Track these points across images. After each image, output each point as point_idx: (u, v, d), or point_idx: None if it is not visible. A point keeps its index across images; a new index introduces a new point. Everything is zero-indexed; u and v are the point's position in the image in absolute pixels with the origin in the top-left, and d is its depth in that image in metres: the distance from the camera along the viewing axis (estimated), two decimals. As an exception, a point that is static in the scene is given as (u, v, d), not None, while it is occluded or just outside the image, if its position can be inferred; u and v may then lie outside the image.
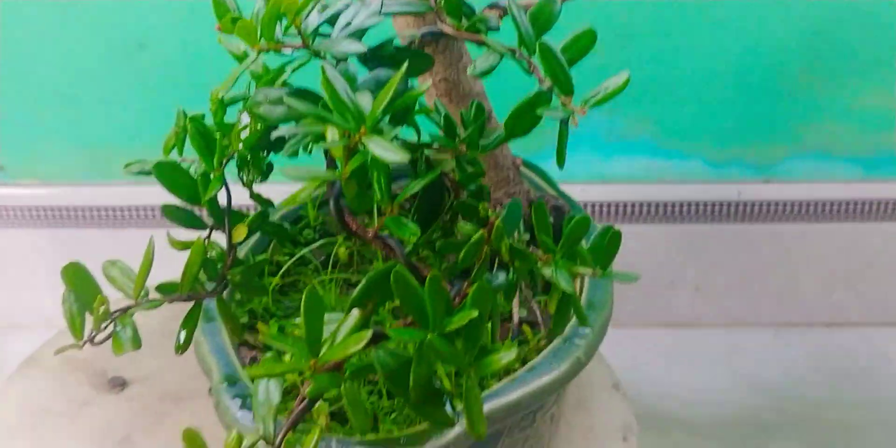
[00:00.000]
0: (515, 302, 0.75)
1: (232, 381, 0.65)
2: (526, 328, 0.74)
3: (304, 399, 0.54)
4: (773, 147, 1.27)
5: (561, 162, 0.62)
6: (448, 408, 0.57)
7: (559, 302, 0.64)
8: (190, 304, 0.60)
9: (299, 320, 0.51)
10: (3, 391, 0.89)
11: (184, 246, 0.58)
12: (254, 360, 0.71)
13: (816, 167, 1.28)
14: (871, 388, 1.27)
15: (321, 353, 0.51)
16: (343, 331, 0.51)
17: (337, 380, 0.52)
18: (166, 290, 0.58)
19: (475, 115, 0.63)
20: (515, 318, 0.75)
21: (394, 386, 0.54)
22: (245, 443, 0.53)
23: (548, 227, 0.61)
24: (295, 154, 0.56)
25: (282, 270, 0.80)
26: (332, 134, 0.51)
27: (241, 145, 0.58)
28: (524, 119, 0.60)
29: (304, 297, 0.51)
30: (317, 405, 0.63)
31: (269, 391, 0.54)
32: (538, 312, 0.77)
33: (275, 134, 0.56)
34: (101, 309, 0.55)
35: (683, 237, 1.31)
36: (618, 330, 1.20)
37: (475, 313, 0.52)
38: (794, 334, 1.35)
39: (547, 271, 0.60)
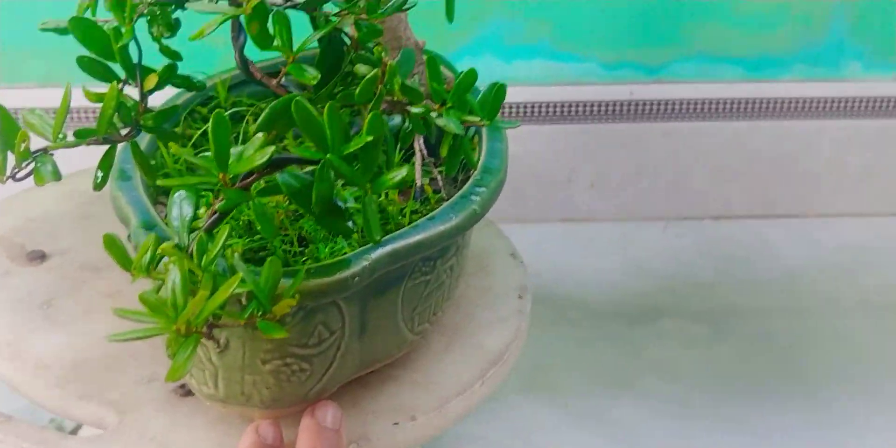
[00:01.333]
0: (418, 167, 0.81)
1: (149, 226, 0.69)
2: (428, 188, 0.81)
3: (214, 212, 0.59)
4: (662, 49, 1.33)
5: (450, 16, 0.69)
6: (350, 223, 0.63)
7: (450, 146, 0.71)
8: (106, 147, 0.64)
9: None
10: None
11: (98, 97, 0.63)
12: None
13: (703, 68, 1.35)
14: (753, 271, 1.35)
15: (229, 167, 0.57)
16: (249, 150, 0.57)
17: (245, 195, 0.58)
18: (83, 134, 0.62)
19: None
20: (418, 182, 0.81)
21: (298, 203, 0.60)
22: (161, 246, 0.58)
23: (439, 77, 0.68)
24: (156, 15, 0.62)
25: (191, 142, 0.85)
26: None
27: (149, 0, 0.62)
28: None
29: (211, 119, 0.56)
30: (230, 246, 0.70)
31: (182, 207, 0.60)
32: (440, 180, 0.83)
33: None
34: (23, 145, 0.59)
35: (579, 136, 1.38)
36: (518, 224, 1.29)
37: (370, 137, 0.58)
38: (684, 226, 1.43)
39: (440, 120, 0.67)
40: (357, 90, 0.64)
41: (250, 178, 0.60)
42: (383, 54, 0.66)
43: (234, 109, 0.89)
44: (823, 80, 1.37)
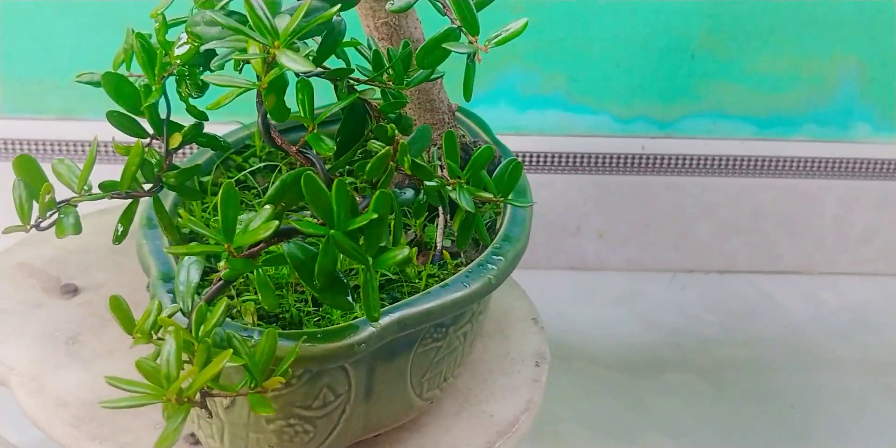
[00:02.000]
0: (439, 231, 0.80)
1: (167, 278, 0.71)
2: (446, 254, 0.81)
3: (220, 280, 0.61)
4: (675, 105, 1.35)
5: (467, 94, 0.69)
6: (350, 298, 0.63)
7: (462, 221, 0.71)
8: (128, 202, 0.66)
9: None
10: None
11: (125, 150, 0.64)
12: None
13: (714, 125, 1.37)
14: (757, 327, 1.37)
15: (234, 238, 0.58)
16: (256, 221, 0.58)
17: (250, 265, 0.60)
18: (108, 187, 0.64)
19: (402, 51, 0.69)
20: (439, 246, 0.81)
21: (301, 275, 0.61)
22: (164, 313, 0.60)
23: (455, 154, 0.69)
24: (221, 68, 0.63)
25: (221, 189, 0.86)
26: (252, 49, 0.58)
27: (178, 61, 0.64)
28: (434, 53, 0.66)
29: (221, 190, 0.57)
30: (244, 304, 0.71)
31: (189, 272, 0.62)
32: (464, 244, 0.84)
33: (204, 48, 0.62)
34: (47, 197, 0.60)
35: (590, 187, 1.40)
36: (528, 271, 1.29)
37: (375, 215, 0.58)
38: (690, 279, 1.45)
39: (453, 194, 0.68)
40: (368, 167, 0.65)
41: (257, 247, 0.61)
42: (396, 132, 0.67)
43: (265, 162, 0.90)
44: (832, 141, 1.39)
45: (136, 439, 0.79)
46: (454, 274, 0.76)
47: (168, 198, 0.80)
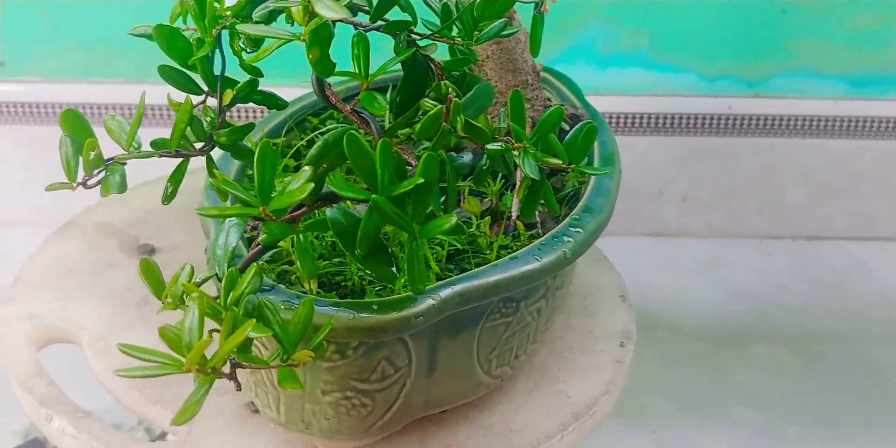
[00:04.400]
0: (515, 200, 0.77)
1: None
2: (520, 224, 0.76)
3: (258, 245, 0.58)
4: (764, 62, 1.29)
5: (534, 50, 0.64)
6: (394, 268, 0.60)
7: (527, 190, 0.66)
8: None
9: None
10: (41, 248, 0.93)
11: (178, 106, 0.61)
12: (254, 229, 0.74)
13: (805, 83, 1.30)
14: (849, 297, 1.31)
15: (270, 201, 0.54)
16: (295, 184, 0.54)
17: (290, 229, 0.56)
18: (158, 145, 0.61)
19: (471, 2, 0.63)
20: (513, 216, 0.77)
21: (343, 242, 0.57)
22: (196, 277, 0.57)
23: (521, 116, 0.63)
24: (266, 18, 0.58)
25: (291, 151, 0.83)
26: None
27: (229, 13, 0.59)
28: (496, 2, 0.61)
29: (258, 148, 0.54)
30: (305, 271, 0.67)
31: (228, 236, 0.59)
32: (539, 215, 0.78)
33: None
34: (92, 153, 0.57)
35: (673, 149, 1.35)
36: (606, 237, 1.25)
37: (420, 179, 0.54)
38: (777, 246, 1.39)
39: (518, 159, 0.63)
40: (417, 127, 0.61)
41: (299, 211, 0.57)
42: (450, 89, 0.62)
43: (343, 124, 0.86)
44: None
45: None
46: (527, 246, 0.71)
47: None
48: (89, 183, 0.58)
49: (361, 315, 0.61)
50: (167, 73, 0.60)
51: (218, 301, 0.55)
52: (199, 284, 0.58)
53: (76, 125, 0.58)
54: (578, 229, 0.72)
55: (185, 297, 0.57)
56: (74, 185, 0.58)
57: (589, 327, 0.86)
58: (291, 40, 0.54)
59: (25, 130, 1.33)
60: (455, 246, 0.74)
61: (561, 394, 0.79)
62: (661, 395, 1.13)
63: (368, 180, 0.54)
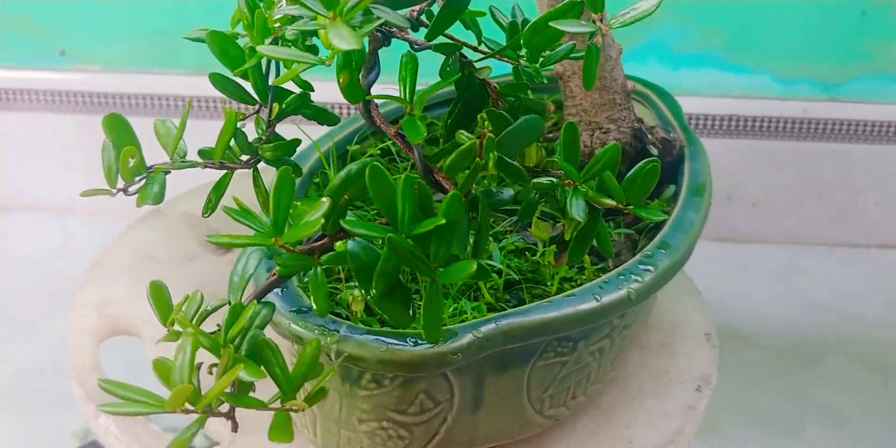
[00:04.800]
0: None
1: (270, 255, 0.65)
2: (586, 257, 0.71)
3: (274, 275, 0.55)
4: (842, 65, 1.25)
5: (587, 83, 0.59)
6: (410, 312, 0.56)
7: (575, 231, 0.61)
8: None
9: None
10: (123, 234, 0.93)
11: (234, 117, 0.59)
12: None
13: (885, 87, 1.26)
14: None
15: (284, 233, 0.51)
16: (311, 216, 0.51)
17: (308, 262, 0.53)
18: (204, 154, 0.59)
19: (534, 22, 0.59)
20: None
21: (359, 280, 0.53)
22: (207, 305, 0.56)
23: (574, 151, 0.58)
24: (300, 38, 0.57)
25: (348, 156, 0.80)
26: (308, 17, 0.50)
27: (278, 24, 0.56)
28: (542, 32, 0.56)
29: (275, 176, 0.51)
30: (350, 291, 0.64)
31: (247, 262, 0.56)
32: (615, 242, 0.74)
33: (281, 12, 0.54)
34: (131, 161, 0.56)
35: (746, 152, 1.31)
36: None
37: (442, 220, 0.50)
38: (851, 254, 1.35)
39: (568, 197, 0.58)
40: (446, 163, 0.56)
41: (320, 242, 0.54)
42: (486, 124, 0.58)
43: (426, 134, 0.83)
44: None
45: (250, 413, 0.74)
46: (590, 281, 0.66)
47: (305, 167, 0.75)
48: (130, 190, 0.56)
49: (396, 347, 0.58)
50: (218, 82, 0.58)
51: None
52: (209, 313, 0.56)
53: (119, 130, 0.57)
54: (649, 267, 0.67)
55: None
56: (114, 191, 0.56)
57: (665, 368, 0.81)
58: (316, 65, 0.51)
59: (88, 120, 1.33)
60: (511, 275, 0.70)
61: (623, 439, 0.74)
62: (730, 410, 1.10)
63: (389, 217, 0.52)
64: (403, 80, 0.56)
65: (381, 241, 0.52)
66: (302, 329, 0.60)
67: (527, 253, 0.72)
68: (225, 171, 0.60)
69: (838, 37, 1.23)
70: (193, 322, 0.54)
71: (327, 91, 0.64)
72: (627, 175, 0.58)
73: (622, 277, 0.66)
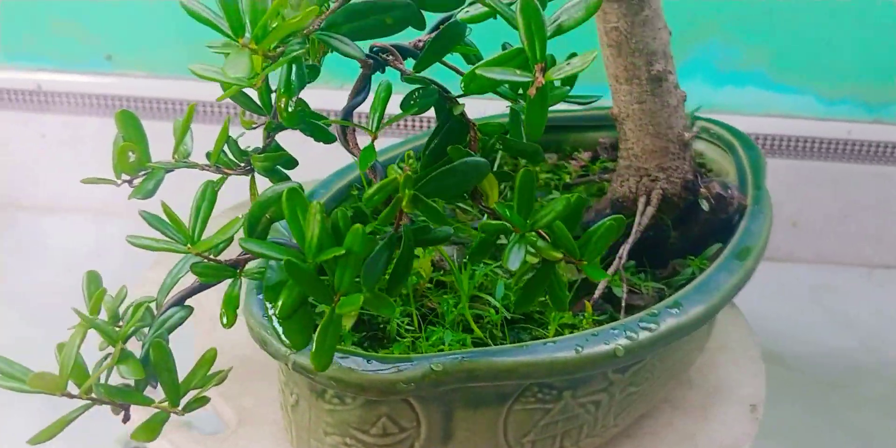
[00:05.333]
0: (604, 281, 0.70)
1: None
2: (587, 304, 0.69)
3: (196, 281, 0.57)
4: (888, 87, 1.25)
5: (533, 132, 0.52)
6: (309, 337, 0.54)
7: (523, 278, 0.58)
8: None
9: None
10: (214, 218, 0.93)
11: (247, 125, 0.61)
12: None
13: (931, 111, 1.26)
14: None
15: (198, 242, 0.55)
16: (221, 230, 0.55)
17: (226, 272, 0.55)
18: (208, 156, 0.60)
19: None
20: (597, 294, 0.71)
21: (266, 298, 0.54)
22: (127, 303, 0.58)
23: (527, 198, 0.54)
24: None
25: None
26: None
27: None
28: (477, 80, 0.52)
29: (198, 190, 0.55)
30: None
31: (181, 267, 0.58)
32: (641, 294, 0.73)
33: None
34: (131, 156, 0.58)
35: (786, 172, 1.30)
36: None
37: (341, 251, 0.49)
38: (889, 276, 1.34)
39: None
40: (365, 195, 0.54)
41: (245, 256, 0.55)
42: (408, 161, 0.58)
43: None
44: None
45: (255, 406, 0.78)
46: (583, 331, 0.65)
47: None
48: (134, 182, 0.59)
49: (348, 367, 0.59)
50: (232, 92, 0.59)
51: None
52: (133, 307, 0.57)
53: (130, 127, 0.58)
54: (650, 326, 0.64)
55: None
56: (119, 182, 0.59)
57: (693, 432, 0.76)
58: (241, 88, 0.55)
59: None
60: (510, 313, 0.68)
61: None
62: (763, 434, 1.09)
63: (299, 241, 0.51)
64: (374, 109, 0.56)
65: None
66: (268, 334, 0.62)
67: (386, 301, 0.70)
68: (220, 175, 0.61)
69: (884, 57, 1.23)
70: (111, 314, 0.57)
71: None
72: (588, 229, 0.55)
73: (615, 332, 0.64)
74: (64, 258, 1.33)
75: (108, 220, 1.39)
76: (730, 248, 0.73)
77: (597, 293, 0.71)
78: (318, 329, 0.51)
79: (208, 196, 0.55)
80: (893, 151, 1.27)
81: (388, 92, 0.56)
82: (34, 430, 0.52)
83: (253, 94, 0.60)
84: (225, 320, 0.56)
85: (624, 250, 0.73)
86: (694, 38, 1.23)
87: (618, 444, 0.74)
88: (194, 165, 0.60)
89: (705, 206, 0.76)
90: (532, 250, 0.54)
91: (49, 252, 1.35)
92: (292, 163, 0.61)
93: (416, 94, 0.58)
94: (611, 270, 0.71)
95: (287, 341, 0.59)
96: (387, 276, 0.55)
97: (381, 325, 0.68)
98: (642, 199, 0.75)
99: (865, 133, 1.27)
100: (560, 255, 0.53)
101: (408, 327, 0.68)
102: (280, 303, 0.51)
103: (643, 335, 0.64)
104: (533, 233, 0.54)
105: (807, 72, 1.25)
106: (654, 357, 0.68)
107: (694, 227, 0.77)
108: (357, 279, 0.51)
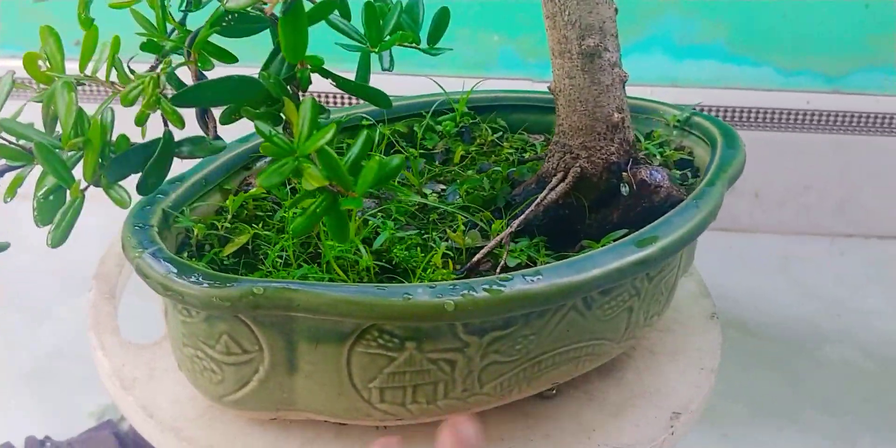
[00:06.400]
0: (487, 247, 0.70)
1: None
2: (451, 264, 0.69)
3: None
4: (844, 58, 1.27)
5: (289, 57, 0.53)
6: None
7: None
8: None
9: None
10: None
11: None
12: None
13: (887, 80, 1.27)
14: (925, 299, 1.28)
15: None
16: None
17: None
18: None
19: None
20: (476, 258, 0.69)
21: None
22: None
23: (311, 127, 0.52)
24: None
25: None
26: None
27: None
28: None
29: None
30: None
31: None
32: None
33: None
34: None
35: (748, 143, 1.30)
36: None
37: (83, 139, 0.58)
38: (850, 245, 1.36)
39: None
40: None
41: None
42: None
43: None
44: None
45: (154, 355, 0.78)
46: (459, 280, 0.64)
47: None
48: None
49: (172, 276, 0.61)
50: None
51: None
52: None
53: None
54: (496, 288, 0.61)
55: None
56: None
57: (640, 392, 0.77)
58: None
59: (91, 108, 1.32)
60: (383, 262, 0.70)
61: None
62: (730, 397, 1.11)
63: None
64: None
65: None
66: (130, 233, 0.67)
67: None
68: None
69: (841, 29, 1.24)
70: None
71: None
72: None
73: (455, 288, 0.61)
74: (41, 244, 1.33)
75: (84, 206, 1.39)
76: (635, 235, 0.68)
77: (476, 257, 0.69)
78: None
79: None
80: (852, 121, 1.29)
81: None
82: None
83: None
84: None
85: (516, 221, 0.71)
86: (653, 12, 1.24)
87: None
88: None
89: (624, 190, 0.74)
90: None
91: (25, 239, 1.36)
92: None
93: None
94: (497, 238, 0.70)
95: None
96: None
97: (262, 257, 0.70)
98: (559, 176, 0.74)
99: (824, 103, 1.29)
100: (326, 182, 0.51)
101: (287, 263, 0.69)
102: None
103: (481, 295, 0.60)
104: (306, 158, 0.52)
105: (765, 44, 1.27)
106: (524, 327, 0.65)
107: (613, 212, 0.75)
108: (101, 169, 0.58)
